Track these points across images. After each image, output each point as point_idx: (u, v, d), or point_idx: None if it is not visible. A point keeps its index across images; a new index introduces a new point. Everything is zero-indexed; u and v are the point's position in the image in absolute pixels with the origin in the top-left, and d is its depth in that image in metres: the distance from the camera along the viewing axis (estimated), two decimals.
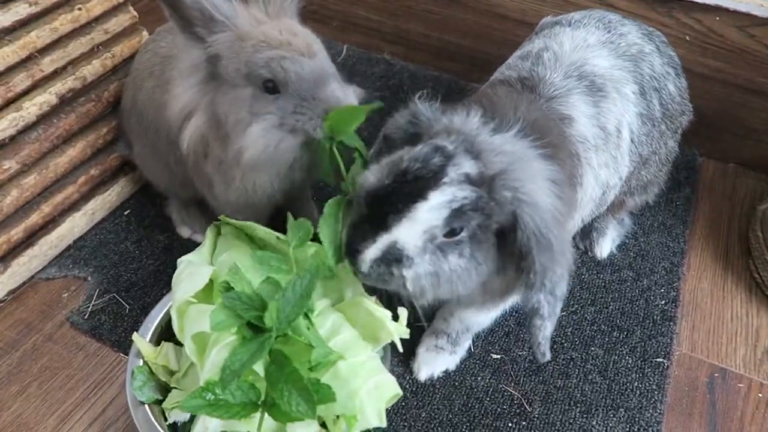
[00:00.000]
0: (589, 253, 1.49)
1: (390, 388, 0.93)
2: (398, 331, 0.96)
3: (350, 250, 0.91)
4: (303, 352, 0.91)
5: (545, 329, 0.97)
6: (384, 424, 0.90)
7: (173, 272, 1.01)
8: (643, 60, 1.25)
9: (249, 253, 1.04)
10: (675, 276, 1.44)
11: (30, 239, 1.34)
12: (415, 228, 0.87)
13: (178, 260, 1.04)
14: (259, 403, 0.87)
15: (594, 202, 1.18)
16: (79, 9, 1.39)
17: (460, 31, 1.97)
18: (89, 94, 1.42)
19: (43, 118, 1.34)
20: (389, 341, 0.97)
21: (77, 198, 1.42)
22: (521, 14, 1.84)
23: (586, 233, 1.51)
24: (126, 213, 1.50)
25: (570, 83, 1.13)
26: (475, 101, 1.05)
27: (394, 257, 0.88)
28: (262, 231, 1.06)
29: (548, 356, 1.01)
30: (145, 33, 1.57)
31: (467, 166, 0.90)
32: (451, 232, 0.89)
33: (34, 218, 1.33)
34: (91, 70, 1.42)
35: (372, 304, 0.99)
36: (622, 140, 1.18)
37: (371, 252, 0.88)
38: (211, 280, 0.99)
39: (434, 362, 1.24)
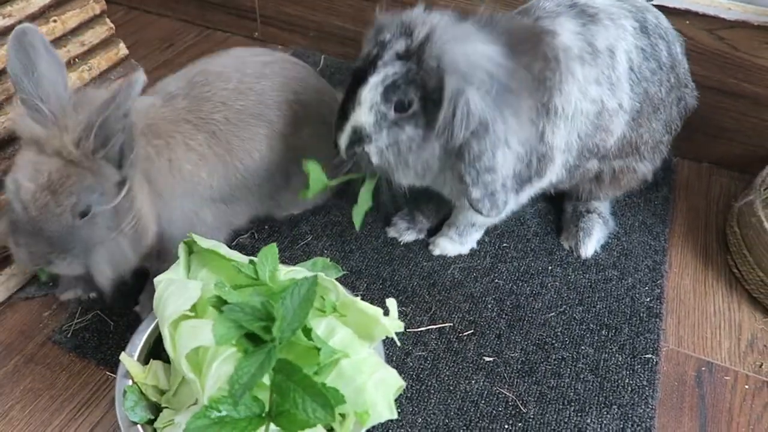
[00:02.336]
0: (575, 252, 1.51)
1: (394, 381, 0.93)
2: (392, 325, 0.96)
3: (335, 145, 1.15)
4: (306, 357, 0.90)
5: (472, 194, 1.13)
6: (395, 415, 0.90)
7: None
8: (649, 11, 1.32)
9: (227, 268, 1.02)
10: (658, 274, 1.47)
11: (7, 258, 1.30)
12: (363, 108, 1.08)
13: (155, 280, 1.00)
14: (264, 415, 0.86)
15: (588, 119, 1.24)
16: (54, 21, 1.37)
17: None
18: None
19: None
20: (383, 337, 0.97)
21: None
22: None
23: (572, 233, 1.53)
24: None
25: (560, 9, 1.24)
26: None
27: (358, 137, 1.10)
28: (232, 254, 1.03)
29: (494, 213, 1.17)
30: (122, 45, 1.54)
31: (398, 45, 1.06)
32: (401, 107, 1.08)
33: None
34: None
35: (361, 303, 0.99)
36: (617, 63, 1.23)
37: (343, 139, 1.12)
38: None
39: (446, 246, 1.46)
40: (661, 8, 1.60)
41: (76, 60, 1.43)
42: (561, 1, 1.28)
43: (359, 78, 1.09)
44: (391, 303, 0.99)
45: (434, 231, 1.51)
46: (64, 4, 1.40)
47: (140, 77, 0.97)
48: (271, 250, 0.98)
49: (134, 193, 1.08)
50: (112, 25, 1.51)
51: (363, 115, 1.09)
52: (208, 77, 1.28)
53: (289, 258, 1.44)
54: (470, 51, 1.04)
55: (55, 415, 1.14)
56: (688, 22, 1.62)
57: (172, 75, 1.33)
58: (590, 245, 1.50)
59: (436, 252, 1.48)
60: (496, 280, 1.43)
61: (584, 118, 1.23)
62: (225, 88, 1.27)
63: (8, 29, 1.27)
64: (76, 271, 1.06)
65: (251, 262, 0.99)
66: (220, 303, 0.90)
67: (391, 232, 1.51)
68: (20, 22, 1.30)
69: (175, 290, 0.97)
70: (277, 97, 1.32)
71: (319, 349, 0.89)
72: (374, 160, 1.12)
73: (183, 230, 1.16)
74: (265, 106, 1.30)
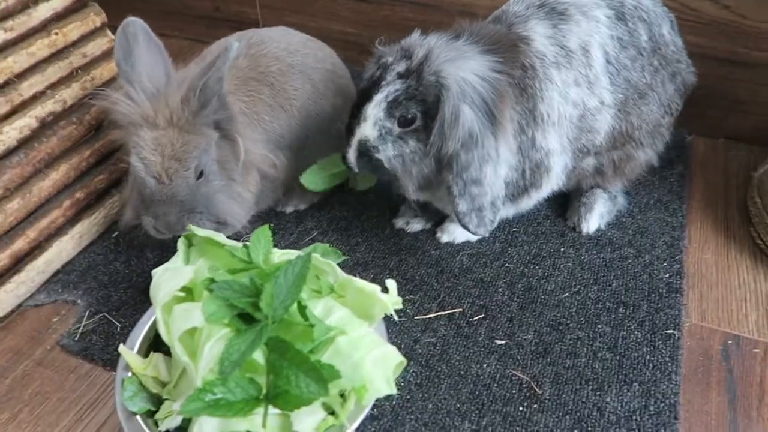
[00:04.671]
0: (576, 229, 1.46)
1: (394, 357, 0.90)
2: (391, 302, 0.93)
3: (343, 159, 1.23)
4: (301, 336, 0.87)
5: (458, 206, 1.18)
6: (394, 390, 0.87)
7: None
8: None
9: (223, 255, 1.01)
10: (677, 249, 1.41)
11: (16, 266, 1.32)
12: (368, 123, 1.17)
13: (153, 271, 1.00)
14: (261, 397, 0.83)
15: (572, 123, 1.26)
16: (56, 34, 1.40)
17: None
18: (70, 117, 1.41)
19: (25, 143, 1.33)
20: (382, 315, 0.94)
21: (63, 222, 1.40)
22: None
23: (575, 209, 1.49)
24: (114, 235, 1.48)
25: (530, 11, 1.27)
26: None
27: (366, 150, 1.19)
28: (228, 242, 1.04)
29: (481, 230, 1.21)
30: None
31: (399, 66, 1.15)
32: (404, 122, 1.16)
33: (20, 244, 1.31)
34: (71, 93, 1.42)
35: (359, 281, 0.97)
36: (592, 60, 1.25)
37: (351, 153, 1.21)
38: (189, 289, 0.96)
39: (454, 232, 1.44)
40: None
41: (79, 71, 1.46)
42: (530, 2, 1.30)
43: (364, 97, 1.18)
44: (391, 283, 0.96)
45: (442, 220, 1.48)
46: (65, 17, 1.44)
47: (235, 44, 1.12)
48: (263, 232, 0.97)
49: (232, 146, 1.24)
50: (113, 37, 1.53)
51: (368, 130, 1.17)
52: (263, 38, 1.43)
53: None
54: (463, 70, 1.12)
55: (62, 417, 1.13)
56: None
57: (218, 42, 1.48)
58: (592, 220, 1.46)
59: (444, 239, 1.45)
60: (507, 264, 1.39)
61: (568, 122, 1.26)
62: (277, 47, 1.42)
63: (9, 43, 1.32)
64: (206, 227, 1.18)
65: (245, 246, 0.98)
66: (212, 284, 0.89)
67: (399, 223, 1.49)
68: (21, 36, 1.34)
69: (169, 276, 0.96)
70: (318, 64, 1.48)
71: (313, 326, 0.87)
72: (386, 165, 1.20)
73: (271, 169, 1.36)
74: (311, 68, 1.45)
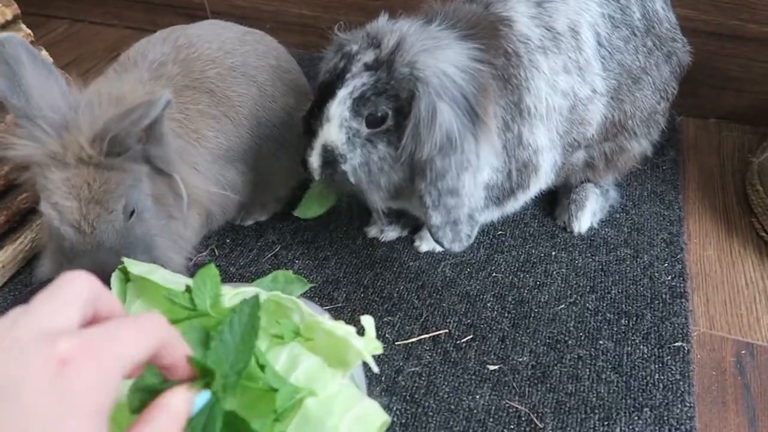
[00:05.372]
0: (567, 229, 1.33)
1: (375, 416, 0.74)
2: (368, 347, 0.77)
3: (303, 164, 1.04)
4: (261, 400, 0.72)
5: (431, 218, 1.02)
6: None
7: None
8: None
9: (163, 297, 0.84)
10: (677, 247, 1.29)
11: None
12: (333, 125, 0.99)
13: None
14: None
15: (562, 116, 1.11)
16: None
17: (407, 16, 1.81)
18: None
19: None
20: (360, 362, 0.78)
21: None
22: None
23: (564, 207, 1.35)
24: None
25: None
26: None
27: (332, 158, 1.01)
28: (169, 279, 0.86)
29: (455, 246, 1.04)
30: (44, 53, 1.36)
31: (366, 56, 0.98)
32: (374, 122, 0.99)
33: None
34: None
35: (330, 322, 0.80)
36: (582, 43, 1.10)
37: (314, 159, 1.02)
38: None
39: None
40: None
41: None
42: None
43: (326, 93, 1.00)
44: (367, 321, 0.80)
45: (419, 226, 1.33)
46: None
47: (166, 97, 0.90)
48: (209, 272, 0.80)
49: (169, 181, 1.03)
50: (29, 31, 1.33)
51: (333, 133, 1.00)
52: (191, 39, 1.21)
53: (254, 273, 1.26)
54: (441, 61, 0.96)
55: None
56: None
57: (139, 43, 1.23)
58: (584, 219, 1.33)
59: (423, 248, 1.30)
60: (494, 274, 1.25)
61: (558, 114, 1.11)
62: (210, 48, 1.21)
63: None
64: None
65: (188, 289, 0.81)
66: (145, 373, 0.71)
67: (372, 232, 1.33)
68: None
69: None
70: (260, 61, 1.27)
71: (276, 390, 0.71)
72: (351, 179, 1.02)
73: (219, 198, 1.17)
74: (252, 68, 1.24)
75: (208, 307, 0.79)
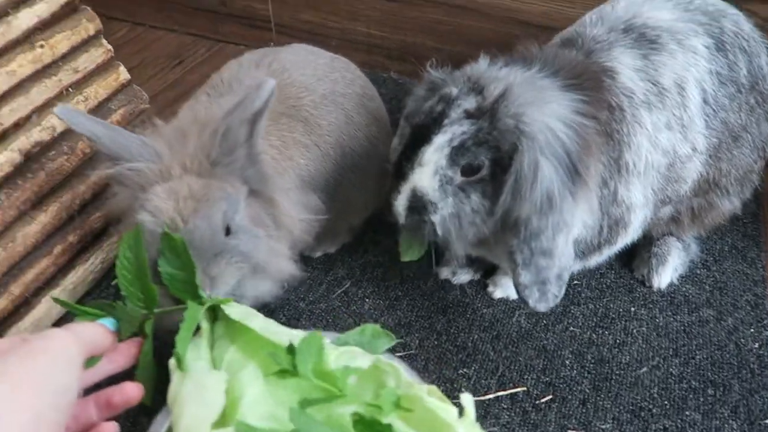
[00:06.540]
0: (646, 283, 1.29)
1: None
2: None
3: (388, 206, 1.01)
4: None
5: (519, 276, 0.98)
6: None
7: None
8: (725, 17, 1.11)
9: (260, 347, 0.82)
10: (763, 311, 1.23)
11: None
12: (426, 171, 0.95)
13: (170, 362, 0.81)
14: None
15: (659, 173, 1.07)
16: (41, 46, 1.17)
17: (476, 42, 1.77)
18: (60, 147, 1.19)
19: (6, 181, 1.11)
20: None
21: (53, 272, 1.19)
22: (545, 18, 1.65)
23: (644, 260, 1.30)
24: (114, 282, 1.27)
25: (613, 36, 1.07)
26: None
27: (421, 204, 0.96)
28: (267, 326, 0.84)
29: (541, 306, 1.00)
30: (122, 69, 1.34)
31: (467, 103, 0.94)
32: (470, 171, 0.94)
33: (2, 303, 1.10)
34: None
35: (432, 402, 0.77)
36: (688, 99, 1.06)
37: (400, 202, 0.98)
38: None
39: (508, 287, 1.24)
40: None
41: (69, 90, 1.23)
42: (613, 24, 1.09)
43: (420, 136, 0.96)
44: (467, 400, 0.77)
45: (492, 269, 1.29)
46: (53, 25, 1.21)
47: (270, 82, 0.92)
48: (314, 341, 0.77)
49: (265, 207, 1.02)
50: (109, 47, 1.31)
51: (426, 179, 0.96)
52: (284, 64, 1.21)
53: (325, 310, 1.23)
54: (547, 115, 0.92)
55: None
56: None
57: (229, 67, 1.24)
58: (665, 274, 1.28)
59: (497, 295, 1.26)
60: (571, 328, 1.21)
61: (655, 172, 1.07)
62: (303, 73, 1.21)
63: None
64: (241, 272, 0.96)
65: (290, 348, 0.78)
66: None
67: (444, 273, 1.30)
68: (0, 50, 1.10)
69: (193, 390, 0.76)
70: (348, 88, 1.27)
71: None
72: (438, 231, 0.98)
73: (305, 227, 1.12)
74: (340, 95, 1.24)
75: (309, 371, 0.77)
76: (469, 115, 0.94)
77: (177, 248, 0.86)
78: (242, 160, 0.96)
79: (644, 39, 1.07)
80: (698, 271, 1.32)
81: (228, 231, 0.94)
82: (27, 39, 1.16)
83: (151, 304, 0.89)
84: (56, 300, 0.94)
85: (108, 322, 0.83)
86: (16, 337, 0.67)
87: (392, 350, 1.10)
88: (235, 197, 0.96)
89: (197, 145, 0.94)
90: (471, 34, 1.76)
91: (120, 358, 0.83)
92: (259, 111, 0.93)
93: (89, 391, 0.79)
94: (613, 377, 1.12)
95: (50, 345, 0.65)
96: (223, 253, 0.92)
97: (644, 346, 1.17)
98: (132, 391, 0.79)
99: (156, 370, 0.89)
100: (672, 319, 1.23)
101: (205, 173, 0.94)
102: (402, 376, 0.80)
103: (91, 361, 0.75)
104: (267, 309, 1.11)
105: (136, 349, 0.86)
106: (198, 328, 0.87)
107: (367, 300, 1.26)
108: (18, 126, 1.14)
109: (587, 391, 1.10)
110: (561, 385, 1.11)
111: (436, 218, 0.97)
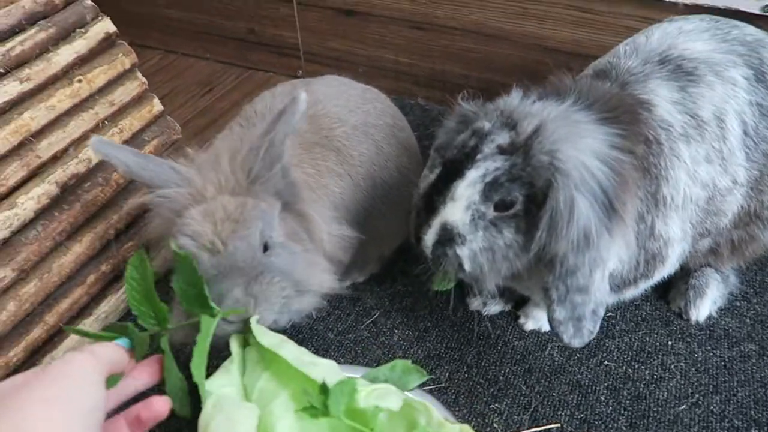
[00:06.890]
0: (684, 316, 1.25)
1: None
2: None
3: (416, 239, 0.99)
4: None
5: (554, 312, 0.96)
6: None
7: None
8: (764, 48, 1.08)
9: (292, 379, 0.81)
10: None
11: (32, 358, 1.12)
12: (458, 205, 0.93)
13: (206, 392, 0.81)
14: None
15: (698, 207, 1.05)
16: (79, 81, 1.20)
17: (505, 69, 1.76)
18: (95, 178, 1.22)
19: (43, 213, 1.13)
20: None
21: (87, 301, 1.21)
22: (575, 45, 1.64)
23: (681, 292, 1.27)
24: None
25: (648, 68, 1.05)
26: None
27: (448, 237, 0.94)
28: (299, 358, 0.83)
29: (576, 342, 0.98)
30: (156, 101, 1.37)
31: (501, 138, 0.93)
32: (503, 206, 0.93)
33: (37, 332, 1.12)
34: None
35: None
36: (727, 132, 1.04)
37: (430, 236, 0.96)
38: None
39: (540, 318, 1.23)
40: None
41: (105, 122, 1.26)
42: (648, 56, 1.08)
43: (453, 170, 0.95)
44: None
45: (522, 300, 1.27)
46: (91, 60, 1.24)
47: (303, 95, 0.95)
48: (348, 387, 0.76)
49: (301, 222, 1.03)
50: (144, 80, 1.34)
51: (458, 213, 0.94)
52: (317, 95, 1.23)
53: (353, 341, 1.22)
54: (582, 151, 0.90)
55: None
56: None
57: (262, 98, 1.25)
58: (703, 307, 1.24)
59: (529, 326, 1.24)
60: (606, 362, 1.17)
61: (694, 205, 1.04)
62: (336, 104, 1.23)
63: (26, 95, 1.12)
64: (284, 293, 0.95)
65: (323, 388, 0.77)
66: None
67: (474, 304, 1.28)
68: (40, 86, 1.14)
69: (224, 423, 0.76)
70: (379, 119, 1.29)
71: None
72: (466, 266, 0.96)
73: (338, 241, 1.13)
74: (372, 126, 1.26)
75: (341, 413, 0.76)
76: (502, 150, 0.93)
77: (184, 263, 0.86)
78: (279, 174, 0.97)
79: (681, 71, 1.05)
80: (738, 304, 1.28)
81: (265, 248, 0.94)
82: (66, 74, 1.19)
83: (163, 322, 0.89)
84: (68, 329, 0.95)
85: (122, 342, 0.84)
86: (34, 369, 0.70)
87: (422, 384, 1.09)
88: (270, 214, 0.96)
89: (234, 164, 0.95)
90: (500, 62, 1.76)
91: (144, 375, 0.83)
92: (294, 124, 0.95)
93: (121, 409, 0.80)
94: (651, 414, 1.08)
95: (69, 368, 0.67)
96: (264, 273, 0.92)
97: (683, 382, 1.14)
98: (159, 405, 0.79)
99: (185, 382, 0.88)
100: (711, 353, 1.19)
101: (240, 191, 0.95)
102: (433, 414, 0.79)
103: (112, 381, 0.76)
104: (297, 338, 1.10)
105: (158, 364, 0.85)
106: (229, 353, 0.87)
107: (396, 331, 1.25)
108: (55, 159, 1.16)
109: (623, 428, 1.06)
110: (596, 422, 1.07)
111: (463, 251, 0.95)
